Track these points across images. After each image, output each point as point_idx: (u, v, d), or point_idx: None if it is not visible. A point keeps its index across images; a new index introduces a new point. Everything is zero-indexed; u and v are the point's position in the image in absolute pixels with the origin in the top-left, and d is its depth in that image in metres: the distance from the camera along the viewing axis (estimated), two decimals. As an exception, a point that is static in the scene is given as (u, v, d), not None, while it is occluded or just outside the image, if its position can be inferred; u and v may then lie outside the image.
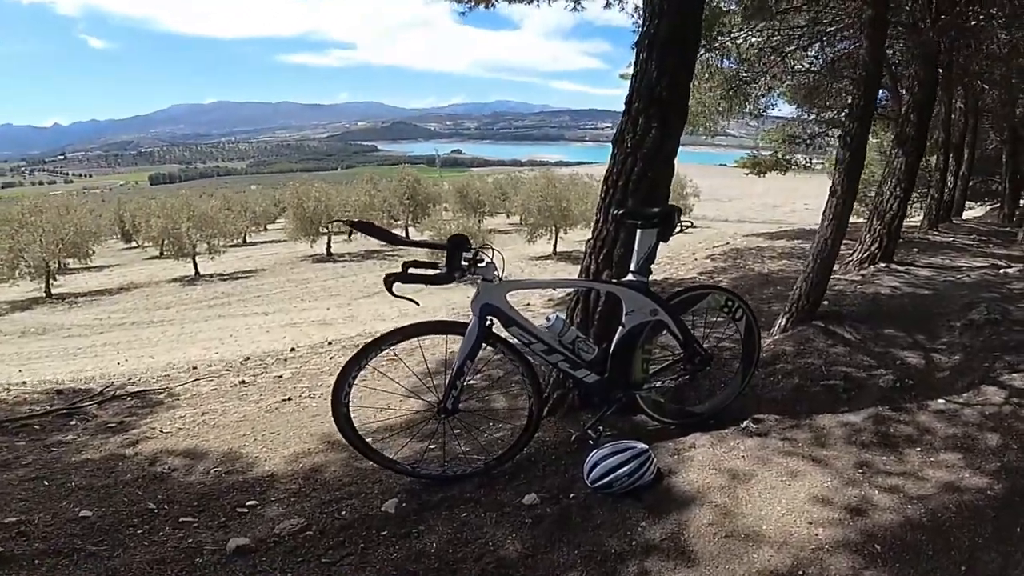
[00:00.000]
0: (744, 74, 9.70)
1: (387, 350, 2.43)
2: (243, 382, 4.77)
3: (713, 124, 11.11)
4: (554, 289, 7.29)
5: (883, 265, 6.47)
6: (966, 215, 15.57)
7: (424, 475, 2.57)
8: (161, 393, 4.63)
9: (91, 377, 6.08)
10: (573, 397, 3.01)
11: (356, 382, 2.42)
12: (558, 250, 20.35)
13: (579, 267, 3.17)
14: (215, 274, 19.91)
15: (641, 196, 2.87)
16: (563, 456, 2.67)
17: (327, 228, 20.32)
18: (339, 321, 11.96)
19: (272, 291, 16.96)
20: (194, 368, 5.80)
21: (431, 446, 2.71)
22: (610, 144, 3.08)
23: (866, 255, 6.69)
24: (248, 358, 6.11)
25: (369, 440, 2.93)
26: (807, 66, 10.18)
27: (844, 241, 4.25)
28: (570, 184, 21.54)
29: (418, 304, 2.46)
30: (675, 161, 3.02)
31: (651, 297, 2.63)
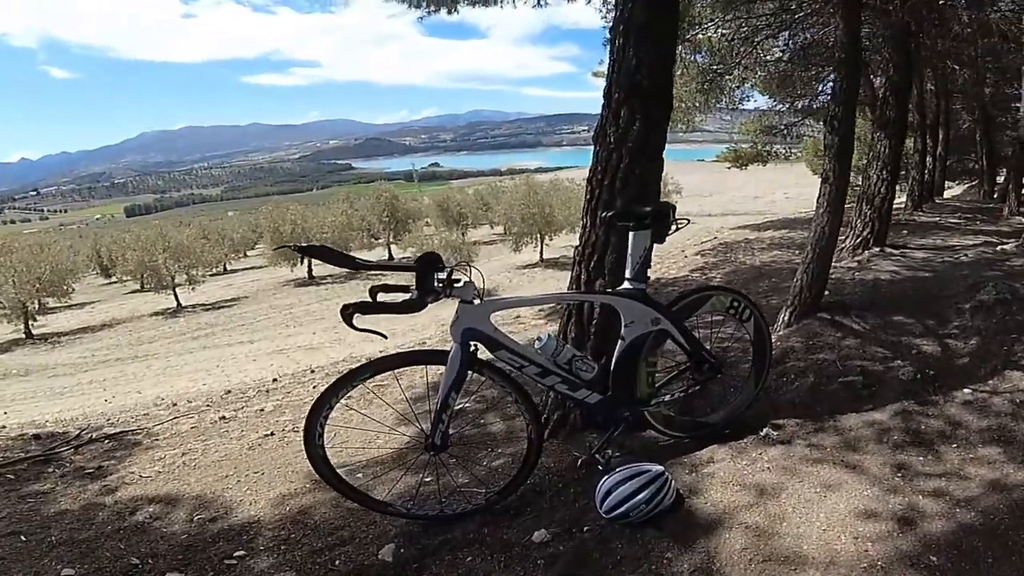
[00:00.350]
0: (717, 67, 9.65)
1: (360, 385, 2.22)
2: (223, 418, 4.51)
3: (690, 119, 11.04)
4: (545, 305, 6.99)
5: (877, 250, 6.40)
6: (946, 194, 15.70)
7: (420, 516, 2.34)
8: (139, 433, 4.38)
9: (71, 418, 5.80)
10: (575, 417, 2.79)
11: (332, 419, 2.21)
12: (545, 257, 20.21)
13: (569, 275, 2.94)
14: (197, 304, 19.58)
15: (630, 195, 2.66)
16: (570, 483, 2.45)
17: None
18: (326, 345, 11.70)
19: (256, 319, 16.66)
20: (174, 405, 5.52)
21: (427, 479, 2.49)
22: (589, 148, 2.87)
23: (859, 240, 6.63)
24: (229, 391, 5.84)
25: (359, 476, 2.72)
26: (777, 55, 10.17)
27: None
28: (552, 190, 21.38)
29: (385, 337, 2.21)
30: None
31: (651, 305, 2.41)
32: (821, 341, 3.49)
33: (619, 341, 2.42)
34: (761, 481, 2.26)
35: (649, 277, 2.45)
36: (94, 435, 4.36)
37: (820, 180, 4.09)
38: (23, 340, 17.05)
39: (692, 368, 2.60)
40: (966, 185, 19.79)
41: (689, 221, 2.49)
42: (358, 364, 2.26)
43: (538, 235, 20.17)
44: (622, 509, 2.10)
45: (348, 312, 1.97)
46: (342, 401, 2.23)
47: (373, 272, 2.20)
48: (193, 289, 20.46)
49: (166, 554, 2.34)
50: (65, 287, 20.11)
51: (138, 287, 23.82)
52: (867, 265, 5.64)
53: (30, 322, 17.76)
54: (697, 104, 10.47)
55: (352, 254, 2.14)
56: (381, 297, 2.01)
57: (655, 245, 2.42)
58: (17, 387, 12.17)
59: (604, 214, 2.60)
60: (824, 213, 3.93)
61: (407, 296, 2.04)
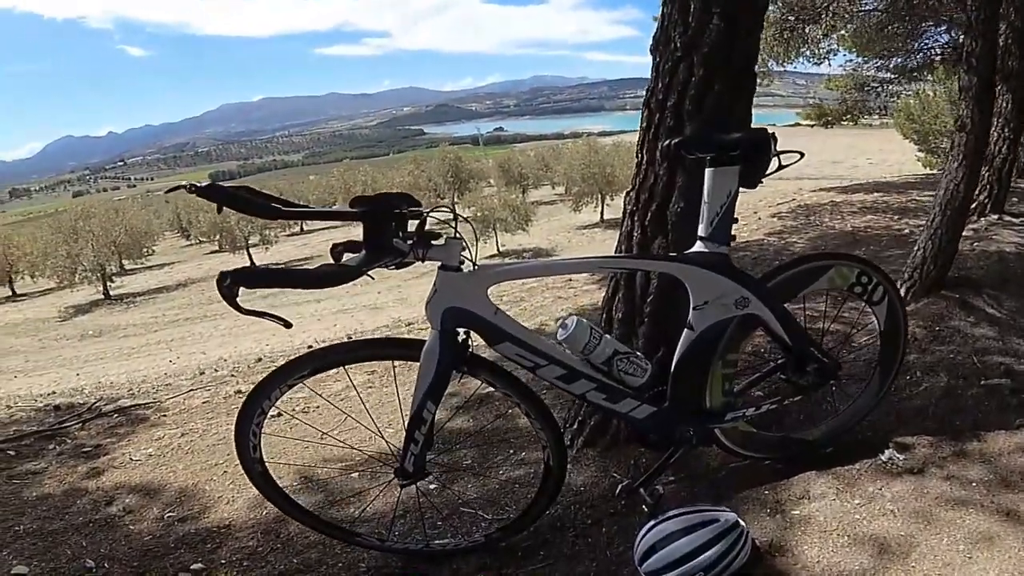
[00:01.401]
0: (797, 16, 8.56)
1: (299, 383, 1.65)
2: (239, 392, 4.16)
3: (765, 71, 9.91)
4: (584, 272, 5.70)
5: (995, 217, 5.50)
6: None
7: (399, 550, 1.79)
8: (151, 407, 4.12)
9: (111, 384, 5.70)
10: (619, 424, 2.07)
11: (278, 426, 1.74)
12: (605, 217, 19.65)
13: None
14: (271, 264, 19.99)
15: (705, 118, 1.81)
16: (603, 519, 1.81)
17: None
18: (389, 305, 11.70)
19: (325, 278, 16.98)
20: (201, 374, 5.27)
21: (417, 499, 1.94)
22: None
23: (975, 206, 5.68)
24: (260, 359, 5.55)
25: (355, 476, 2.23)
26: (871, 5, 8.96)
27: (928, 193, 3.29)
28: (613, 151, 20.84)
29: (289, 326, 1.37)
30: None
31: (736, 278, 1.63)
32: (950, 327, 2.71)
33: (685, 330, 1.66)
34: (881, 532, 1.57)
35: (734, 236, 1.64)
36: (105, 408, 4.11)
37: (955, 128, 3.32)
38: (101, 301, 17.95)
39: (789, 368, 1.81)
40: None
41: (802, 155, 1.61)
42: (298, 356, 1.67)
43: (599, 195, 19.80)
44: (671, 575, 1.46)
45: (225, 284, 1.21)
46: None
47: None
48: (267, 249, 21.12)
49: (123, 558, 2.08)
50: (144, 249, 21.10)
51: (216, 248, 24.88)
52: (986, 235, 4.81)
53: (108, 283, 18.68)
54: (775, 54, 9.37)
55: (279, 197, 1.45)
56: (279, 270, 1.40)
57: (740, 192, 1.62)
58: (92, 348, 12.73)
59: (669, 141, 1.74)
60: (959, 167, 3.12)
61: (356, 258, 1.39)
